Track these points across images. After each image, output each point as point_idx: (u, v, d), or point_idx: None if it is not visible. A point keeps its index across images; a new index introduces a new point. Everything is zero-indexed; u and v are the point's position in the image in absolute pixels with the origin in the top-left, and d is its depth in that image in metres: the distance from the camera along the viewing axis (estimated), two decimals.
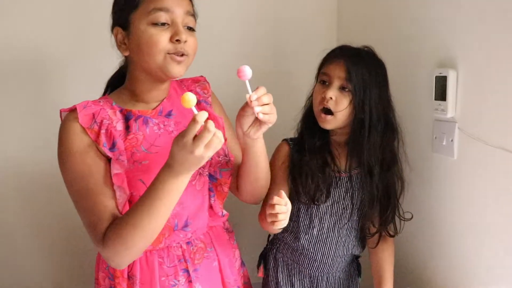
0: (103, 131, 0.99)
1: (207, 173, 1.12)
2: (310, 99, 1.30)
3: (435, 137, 1.24)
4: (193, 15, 1.04)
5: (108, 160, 0.99)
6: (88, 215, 0.95)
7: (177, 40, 0.98)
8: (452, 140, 1.18)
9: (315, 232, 1.27)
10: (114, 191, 0.97)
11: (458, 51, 1.15)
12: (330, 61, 1.24)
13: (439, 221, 1.27)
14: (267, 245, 1.42)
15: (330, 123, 1.22)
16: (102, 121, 1.00)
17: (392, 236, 1.30)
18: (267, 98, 0.96)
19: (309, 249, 1.29)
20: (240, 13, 1.60)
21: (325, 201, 1.26)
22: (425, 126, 1.28)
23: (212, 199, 1.13)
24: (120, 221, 0.92)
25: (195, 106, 0.85)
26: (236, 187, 1.19)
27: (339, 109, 1.20)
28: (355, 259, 1.39)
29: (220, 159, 1.13)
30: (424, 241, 1.33)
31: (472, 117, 1.13)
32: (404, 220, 1.28)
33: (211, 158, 1.10)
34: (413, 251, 1.37)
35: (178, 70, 1.01)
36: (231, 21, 1.59)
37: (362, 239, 1.32)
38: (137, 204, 0.92)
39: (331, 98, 1.20)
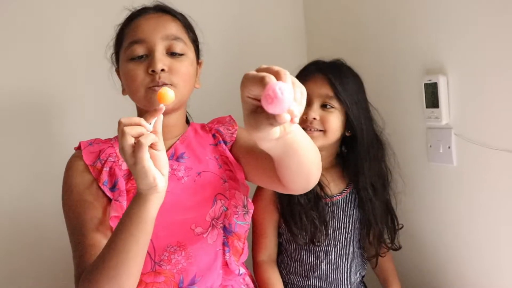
0: (106, 169, 0.92)
1: (221, 225, 0.96)
2: None
3: (430, 146, 1.20)
4: (178, 38, 0.94)
5: (110, 200, 0.90)
6: (74, 254, 0.87)
7: (152, 71, 0.90)
8: (449, 147, 1.15)
9: (323, 266, 1.18)
10: (108, 230, 0.87)
11: (445, 56, 1.13)
12: (306, 78, 1.16)
13: (441, 231, 1.22)
14: None
15: (317, 140, 1.14)
16: (107, 158, 0.93)
17: (397, 250, 1.24)
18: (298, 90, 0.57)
19: (321, 285, 1.19)
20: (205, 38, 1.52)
21: (326, 237, 1.17)
22: (417, 135, 1.24)
23: (227, 255, 0.96)
24: (91, 264, 0.80)
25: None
26: (278, 181, 0.86)
27: (330, 126, 1.13)
28: (361, 279, 1.32)
29: (237, 209, 0.97)
30: (432, 252, 1.28)
31: (467, 121, 1.11)
32: (398, 230, 1.24)
33: (226, 208, 0.95)
34: (419, 264, 1.32)
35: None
36: None
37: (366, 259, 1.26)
38: (107, 242, 0.80)
39: (314, 118, 1.13)
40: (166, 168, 0.74)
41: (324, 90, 1.14)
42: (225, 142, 1.00)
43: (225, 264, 0.97)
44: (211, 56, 1.53)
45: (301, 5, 1.66)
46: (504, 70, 1.01)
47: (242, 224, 0.97)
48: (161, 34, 0.92)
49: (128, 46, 0.93)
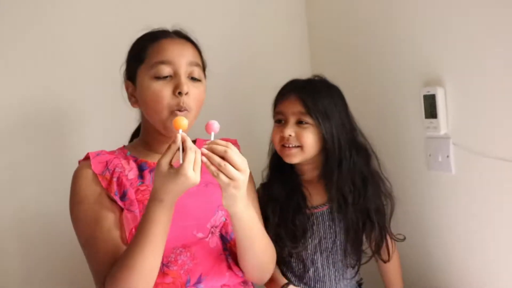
0: (114, 179, 0.97)
1: (218, 233, 1.04)
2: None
3: (429, 155, 1.25)
4: (198, 65, 1.01)
5: (121, 208, 0.96)
6: (92, 263, 0.94)
7: (179, 93, 0.96)
8: (448, 156, 1.19)
9: (310, 274, 1.22)
10: (123, 237, 0.93)
11: (443, 69, 1.18)
12: (282, 98, 1.23)
13: (440, 238, 1.26)
14: None
15: (296, 156, 1.20)
16: (114, 169, 0.99)
17: (385, 262, 1.26)
18: (222, 149, 0.84)
19: None
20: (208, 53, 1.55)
21: (311, 240, 1.21)
22: (417, 145, 1.29)
23: (229, 258, 1.04)
24: (117, 265, 0.88)
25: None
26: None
27: (305, 142, 1.18)
28: (359, 286, 1.35)
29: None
30: (431, 258, 1.32)
31: (465, 131, 1.16)
32: (397, 241, 1.26)
33: (225, 219, 1.04)
34: (417, 270, 1.36)
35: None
36: None
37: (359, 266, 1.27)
38: (131, 244, 0.88)
39: (290, 135, 1.18)
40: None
41: (297, 107, 1.19)
42: None
43: (229, 268, 1.03)
44: (214, 74, 1.56)
45: (305, 20, 1.72)
46: (499, 81, 1.05)
47: None
48: (186, 59, 1.00)
49: (154, 65, 0.98)
